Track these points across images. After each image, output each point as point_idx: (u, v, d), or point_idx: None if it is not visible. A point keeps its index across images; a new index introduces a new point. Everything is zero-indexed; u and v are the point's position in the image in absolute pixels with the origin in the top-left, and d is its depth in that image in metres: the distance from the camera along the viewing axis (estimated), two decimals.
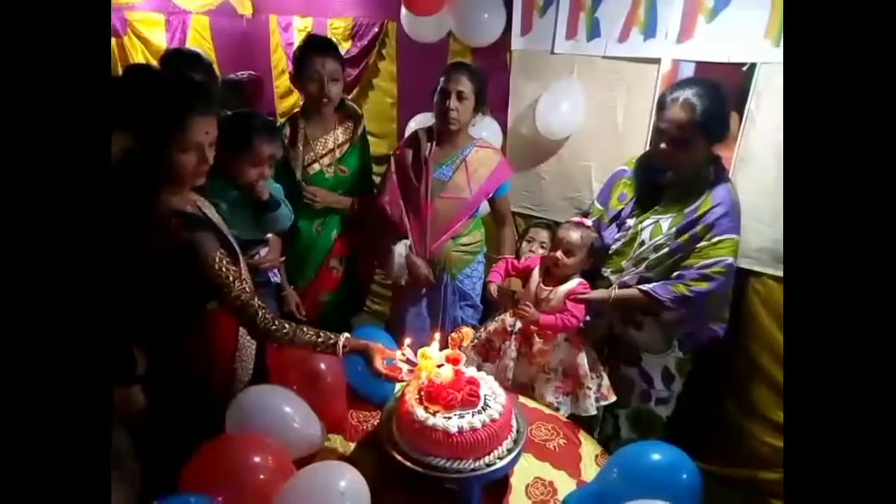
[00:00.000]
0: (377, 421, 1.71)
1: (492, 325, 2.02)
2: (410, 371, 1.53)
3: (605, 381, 1.84)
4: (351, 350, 1.49)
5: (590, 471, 1.56)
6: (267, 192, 1.82)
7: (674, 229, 1.78)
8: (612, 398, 1.84)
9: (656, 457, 1.37)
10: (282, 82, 3.44)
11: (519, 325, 1.93)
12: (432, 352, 1.49)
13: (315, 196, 2.17)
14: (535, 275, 1.95)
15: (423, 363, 1.48)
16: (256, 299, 1.43)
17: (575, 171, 2.50)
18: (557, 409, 1.77)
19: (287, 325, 1.44)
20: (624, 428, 2.01)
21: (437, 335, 1.55)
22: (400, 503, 1.43)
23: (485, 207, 2.32)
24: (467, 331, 1.67)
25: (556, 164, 2.56)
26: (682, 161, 1.75)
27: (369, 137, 2.46)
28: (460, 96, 2.01)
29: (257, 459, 1.32)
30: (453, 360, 1.46)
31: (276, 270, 2.04)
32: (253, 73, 3.45)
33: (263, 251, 1.87)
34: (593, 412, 1.79)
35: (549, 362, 1.85)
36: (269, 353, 1.73)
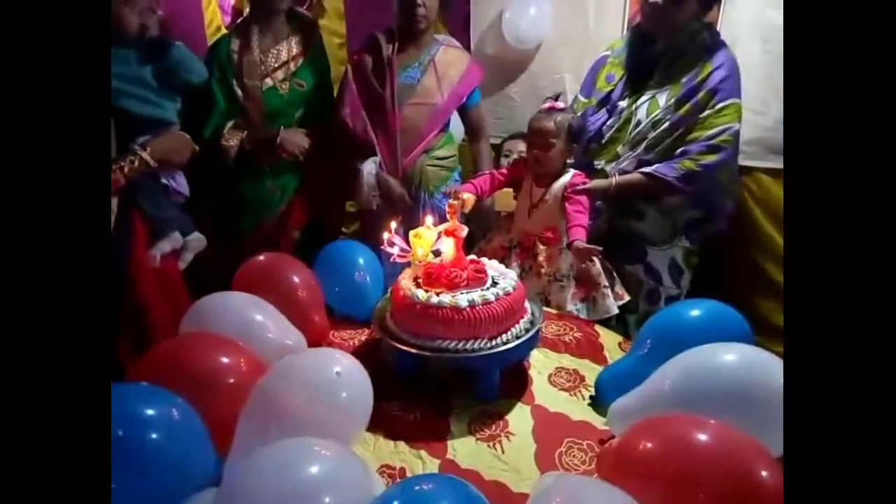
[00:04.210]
0: (365, 337, 1.47)
1: (486, 246, 1.81)
2: (402, 256, 1.30)
3: (618, 281, 1.67)
4: (152, 152, 1.53)
5: (616, 356, 1.37)
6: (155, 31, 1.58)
7: (672, 101, 1.63)
8: (627, 297, 1.67)
9: (696, 313, 1.19)
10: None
11: (517, 238, 1.73)
12: (425, 231, 1.28)
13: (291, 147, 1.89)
14: (527, 180, 1.75)
15: (416, 243, 1.26)
16: None
17: (548, 86, 2.33)
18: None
19: None
20: (634, 335, 1.83)
21: (429, 217, 1.33)
22: (406, 409, 1.19)
23: (457, 128, 2.13)
24: (468, 196, 1.46)
25: (526, 81, 2.40)
26: (674, 23, 1.61)
27: None
28: None
29: (226, 360, 1.07)
30: (452, 233, 1.24)
31: (175, 177, 1.67)
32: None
33: (142, 139, 1.55)
34: (615, 310, 1.61)
35: (559, 269, 1.65)
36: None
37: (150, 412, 0.86)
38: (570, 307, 1.64)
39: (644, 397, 1.04)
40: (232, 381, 1.05)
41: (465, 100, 1.97)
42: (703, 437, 0.84)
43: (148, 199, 1.58)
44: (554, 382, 1.27)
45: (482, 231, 1.98)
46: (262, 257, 1.49)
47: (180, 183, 1.67)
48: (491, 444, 1.09)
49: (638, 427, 0.92)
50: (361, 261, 1.58)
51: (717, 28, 1.95)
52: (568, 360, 1.34)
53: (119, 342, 1.55)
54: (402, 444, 1.09)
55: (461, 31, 2.43)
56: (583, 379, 1.28)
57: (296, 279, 1.45)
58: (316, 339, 1.41)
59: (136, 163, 1.51)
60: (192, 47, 3.06)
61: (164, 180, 1.62)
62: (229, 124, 1.89)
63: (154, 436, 0.85)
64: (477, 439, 1.10)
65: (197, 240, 1.72)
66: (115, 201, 1.51)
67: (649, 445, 0.87)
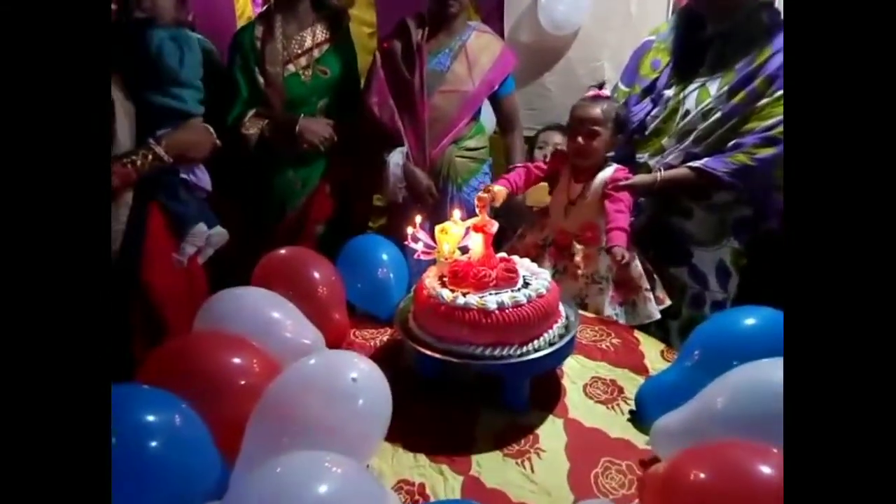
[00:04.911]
0: (387, 337, 1.39)
1: (517, 244, 1.71)
2: (427, 252, 1.22)
3: (659, 284, 1.55)
4: (167, 147, 1.46)
5: (658, 366, 1.26)
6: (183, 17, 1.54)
7: (725, 89, 1.49)
8: (668, 302, 1.55)
9: (752, 321, 1.07)
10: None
11: (551, 236, 1.63)
12: (452, 226, 1.19)
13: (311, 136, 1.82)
14: (564, 175, 1.63)
15: (442, 239, 1.17)
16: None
17: (585, 75, 2.22)
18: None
19: None
20: (676, 343, 1.71)
21: (457, 212, 1.24)
22: (428, 419, 1.10)
23: (488, 119, 2.03)
24: (499, 189, 1.37)
25: (562, 70, 2.28)
26: (728, 2, 1.47)
27: None
28: None
29: (237, 361, 1.00)
30: (481, 229, 1.15)
31: (195, 172, 1.60)
32: None
33: (161, 132, 1.48)
34: (657, 315, 1.50)
35: (597, 270, 1.55)
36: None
37: (149, 417, 0.79)
38: (609, 312, 1.53)
39: (693, 416, 0.92)
40: (243, 383, 0.98)
41: (497, 88, 1.87)
42: (765, 468, 0.74)
43: (167, 195, 1.53)
44: (590, 394, 1.16)
45: (513, 228, 1.88)
46: (282, 251, 1.43)
47: (200, 178, 1.61)
48: (519, 460, 0.99)
49: (689, 453, 0.82)
50: (385, 256, 1.51)
51: (776, 7, 1.81)
52: (605, 370, 1.24)
53: (133, 340, 1.50)
54: (422, 458, 1.00)
55: (494, 17, 2.33)
56: (621, 390, 1.17)
57: (317, 275, 1.38)
58: (336, 338, 1.33)
59: (150, 157, 1.44)
60: (223, 38, 3.04)
61: (183, 175, 1.56)
62: (251, 112, 1.83)
63: (154, 443, 0.78)
64: (504, 455, 1.01)
65: (218, 234, 1.67)
66: (129, 196, 1.46)
67: (702, 476, 0.77)
